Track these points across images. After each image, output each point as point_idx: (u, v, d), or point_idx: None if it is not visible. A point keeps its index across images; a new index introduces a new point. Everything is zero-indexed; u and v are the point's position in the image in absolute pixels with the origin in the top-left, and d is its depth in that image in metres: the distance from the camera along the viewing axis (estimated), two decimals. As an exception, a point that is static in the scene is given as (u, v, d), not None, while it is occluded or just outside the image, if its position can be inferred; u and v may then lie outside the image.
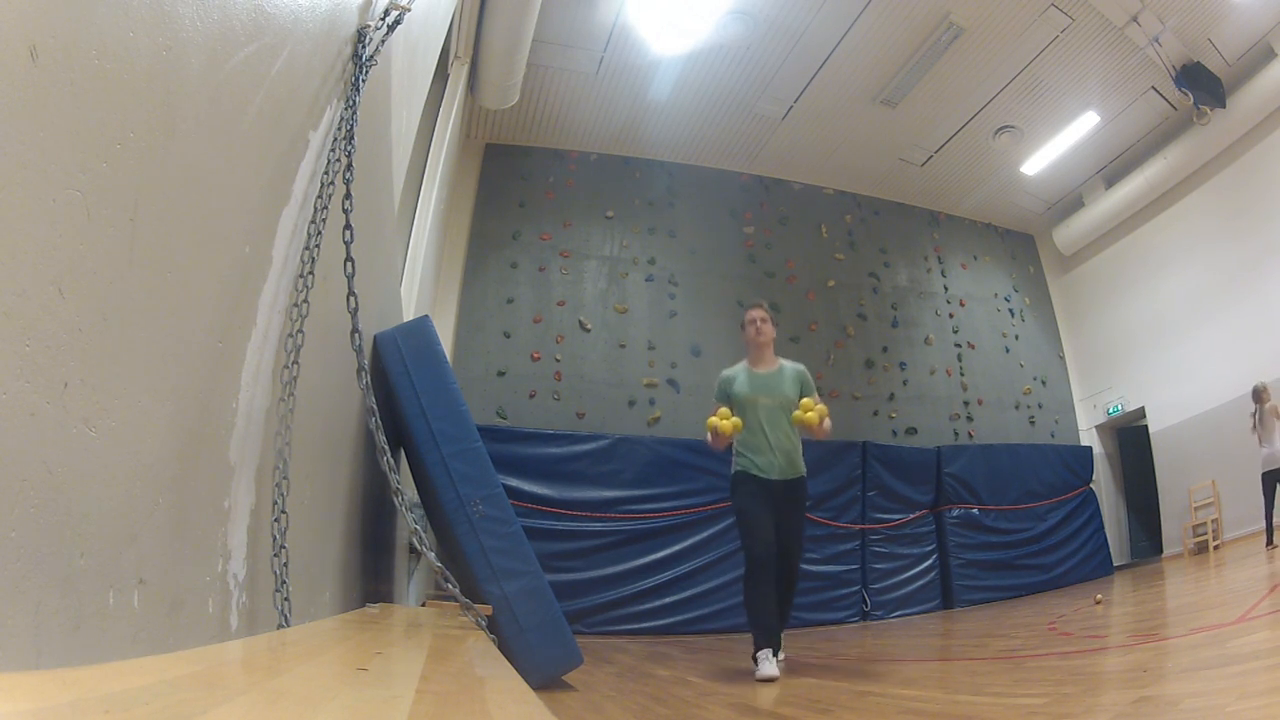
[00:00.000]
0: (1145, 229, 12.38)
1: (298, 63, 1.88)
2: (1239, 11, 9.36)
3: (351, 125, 2.32)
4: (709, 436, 4.21)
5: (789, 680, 3.83)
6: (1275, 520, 7.77)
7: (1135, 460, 12.59)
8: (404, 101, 3.97)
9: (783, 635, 4.31)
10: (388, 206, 3.81)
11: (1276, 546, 7.53)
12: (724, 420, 4.11)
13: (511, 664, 2.18)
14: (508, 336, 9.36)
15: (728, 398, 4.36)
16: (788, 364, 4.53)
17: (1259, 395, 8.29)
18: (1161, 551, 11.54)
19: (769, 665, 3.86)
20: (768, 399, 4.32)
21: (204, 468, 1.39)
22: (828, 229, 11.93)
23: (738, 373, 4.48)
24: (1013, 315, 13.01)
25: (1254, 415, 8.31)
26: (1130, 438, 12.79)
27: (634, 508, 8.31)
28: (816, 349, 10.88)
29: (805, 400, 4.17)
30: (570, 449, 8.43)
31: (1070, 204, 13.25)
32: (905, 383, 11.38)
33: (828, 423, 4.11)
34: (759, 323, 4.51)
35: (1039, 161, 12.03)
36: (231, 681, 1.08)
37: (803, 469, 4.38)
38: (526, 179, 10.29)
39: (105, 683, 0.85)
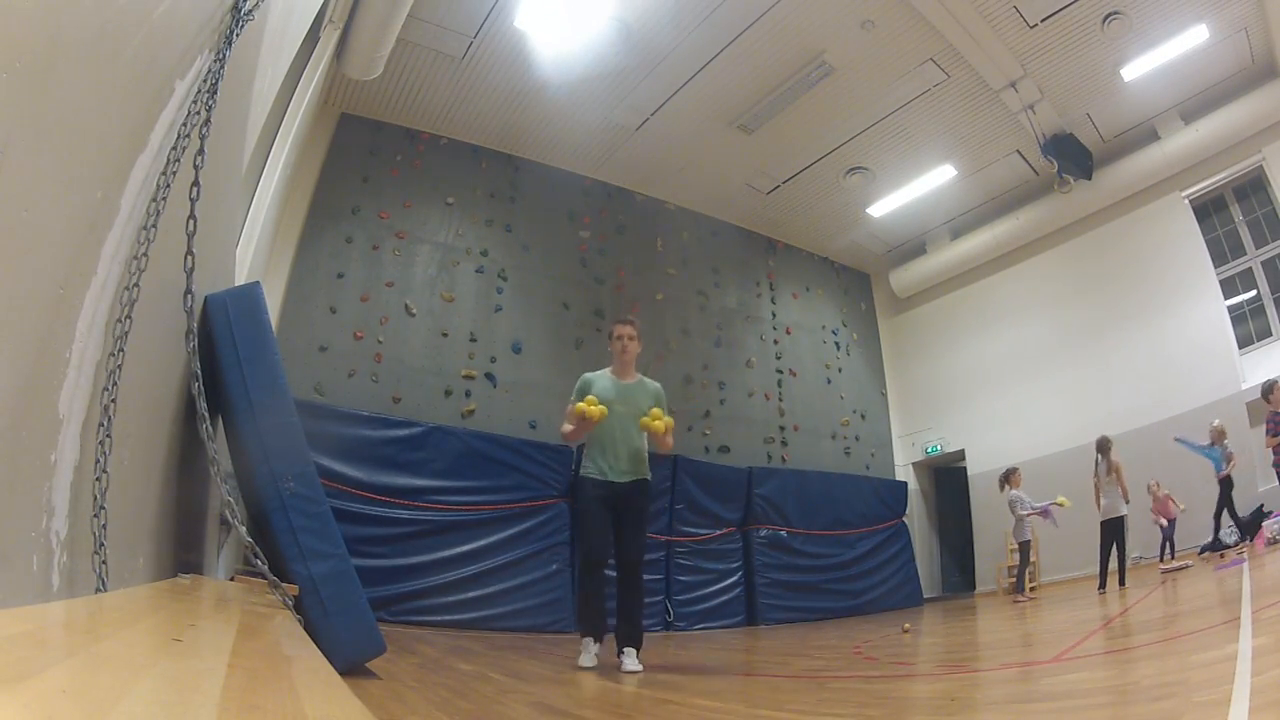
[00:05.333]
0: (986, 282, 13.22)
1: (181, 6, 1.80)
2: (1129, 91, 10.08)
3: (217, 79, 2.23)
4: (567, 426, 4.64)
5: (590, 683, 3.92)
6: (1110, 566, 8.27)
7: (952, 499, 13.35)
8: (271, 59, 3.80)
9: (634, 667, 4.30)
10: (236, 164, 3.63)
11: (1106, 592, 7.93)
12: (592, 406, 4.45)
13: (316, 646, 2.17)
14: (334, 312, 9.02)
15: (583, 399, 4.59)
16: (648, 380, 4.97)
17: (1103, 447, 8.67)
18: (974, 588, 12.30)
19: (588, 657, 4.35)
20: (623, 406, 4.67)
21: (34, 418, 1.32)
22: (663, 243, 12.24)
23: (599, 378, 4.83)
24: (839, 348, 13.73)
25: (1096, 465, 8.67)
26: (948, 477, 13.60)
27: (442, 498, 8.21)
28: (636, 359, 11.06)
29: (655, 409, 4.65)
30: (384, 433, 8.23)
31: (912, 249, 13.96)
32: (722, 402, 11.82)
33: (670, 438, 4.72)
34: (626, 339, 4.88)
35: (887, 205, 12.56)
36: (59, 643, 1.06)
37: (647, 473, 4.76)
38: (375, 154, 9.99)
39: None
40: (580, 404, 4.46)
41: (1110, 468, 8.50)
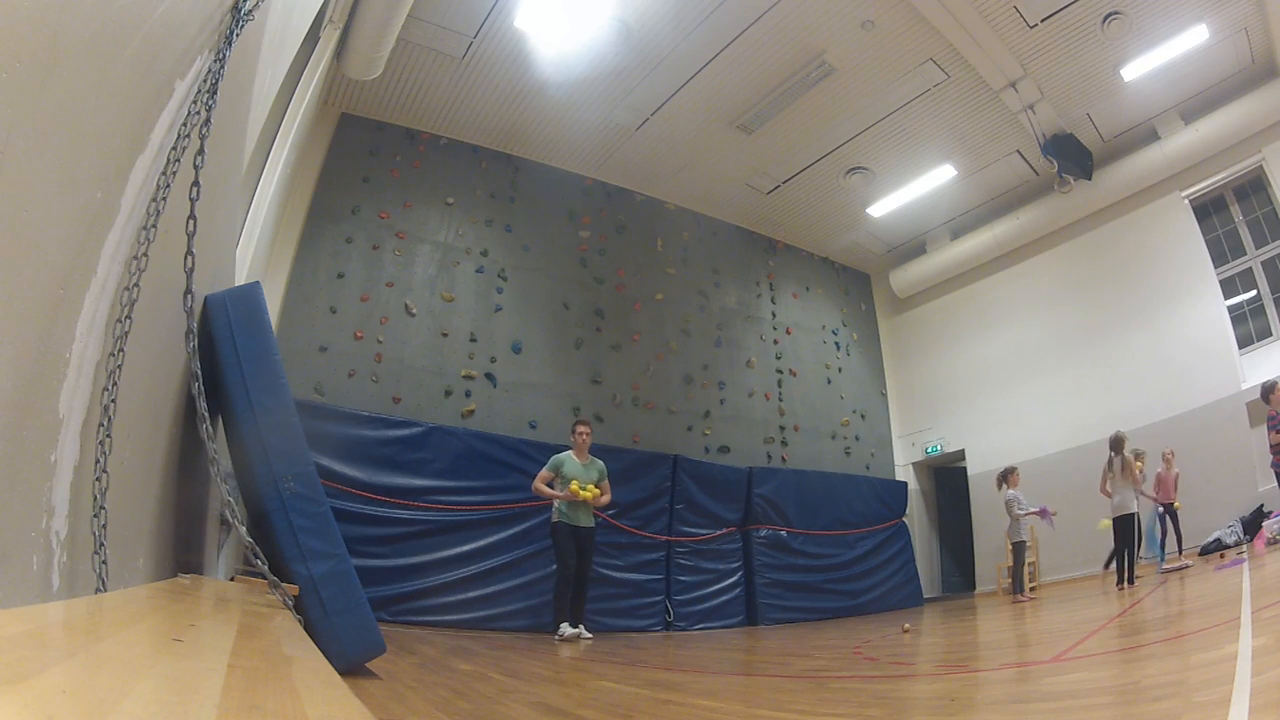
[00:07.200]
0: (986, 282, 13.19)
1: (181, 6, 1.80)
2: (1129, 91, 10.06)
3: (217, 79, 2.23)
4: (546, 489, 7.07)
5: (590, 683, 3.92)
6: (1126, 562, 8.11)
7: (952, 499, 13.33)
8: (271, 60, 3.80)
9: (587, 636, 6.85)
10: (236, 164, 3.63)
11: (1125, 587, 7.83)
12: (582, 489, 6.97)
13: (316, 646, 2.17)
14: (334, 312, 9.02)
15: (558, 472, 7.12)
16: (596, 459, 7.40)
17: (1117, 444, 8.51)
18: (974, 588, 12.28)
19: (568, 630, 6.71)
20: (584, 479, 7.08)
21: (34, 418, 1.32)
22: (663, 243, 12.22)
23: (567, 459, 7.23)
24: (839, 348, 13.72)
25: (1108, 462, 8.52)
26: (948, 477, 13.58)
27: (442, 498, 8.22)
28: (636, 359, 11.12)
29: (590, 484, 7.11)
30: (384, 433, 8.23)
31: (912, 249, 13.95)
32: (722, 402, 11.81)
33: (605, 498, 7.31)
34: (584, 434, 7.36)
35: (886, 205, 12.54)
36: (59, 643, 1.06)
37: (592, 522, 7.27)
38: (375, 154, 9.99)
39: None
40: (574, 488, 6.93)
41: (1124, 465, 8.37)
